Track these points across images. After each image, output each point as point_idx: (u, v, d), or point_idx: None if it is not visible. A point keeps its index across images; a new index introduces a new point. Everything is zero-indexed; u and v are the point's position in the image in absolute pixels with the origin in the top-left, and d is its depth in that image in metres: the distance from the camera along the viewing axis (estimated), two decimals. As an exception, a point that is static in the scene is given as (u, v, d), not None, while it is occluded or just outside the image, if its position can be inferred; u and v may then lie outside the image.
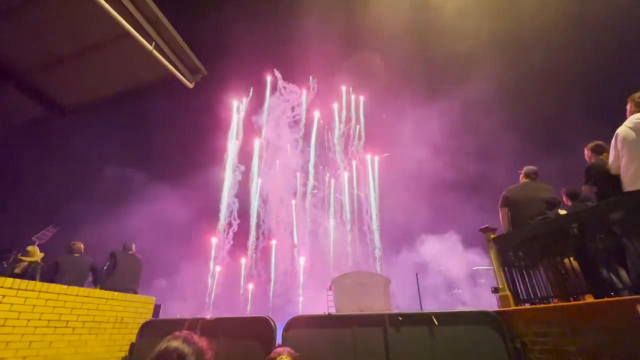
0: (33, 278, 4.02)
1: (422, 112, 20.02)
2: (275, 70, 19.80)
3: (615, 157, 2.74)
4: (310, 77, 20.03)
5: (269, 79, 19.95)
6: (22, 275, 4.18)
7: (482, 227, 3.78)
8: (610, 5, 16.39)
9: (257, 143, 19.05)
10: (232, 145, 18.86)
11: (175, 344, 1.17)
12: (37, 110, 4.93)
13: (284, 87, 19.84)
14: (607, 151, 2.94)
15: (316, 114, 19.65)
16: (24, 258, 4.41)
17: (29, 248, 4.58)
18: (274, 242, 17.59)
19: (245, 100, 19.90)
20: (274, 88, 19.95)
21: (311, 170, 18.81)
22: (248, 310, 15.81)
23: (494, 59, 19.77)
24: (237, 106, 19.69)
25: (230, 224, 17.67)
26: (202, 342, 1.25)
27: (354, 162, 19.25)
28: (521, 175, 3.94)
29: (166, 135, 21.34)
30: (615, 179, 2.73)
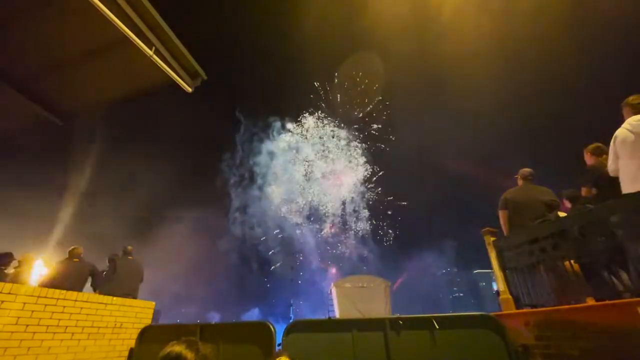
0: None
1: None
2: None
3: (614, 158, 2.73)
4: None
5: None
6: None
7: (483, 229, 3.77)
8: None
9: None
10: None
11: (178, 349, 1.17)
12: (38, 115, 4.95)
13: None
14: (607, 153, 2.93)
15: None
16: (11, 271, 4.32)
17: (20, 258, 4.48)
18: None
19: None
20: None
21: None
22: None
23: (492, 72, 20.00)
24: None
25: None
26: (206, 348, 1.24)
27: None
28: (518, 178, 3.93)
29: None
30: (615, 181, 2.73)
